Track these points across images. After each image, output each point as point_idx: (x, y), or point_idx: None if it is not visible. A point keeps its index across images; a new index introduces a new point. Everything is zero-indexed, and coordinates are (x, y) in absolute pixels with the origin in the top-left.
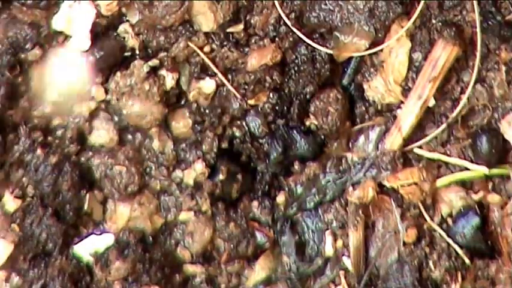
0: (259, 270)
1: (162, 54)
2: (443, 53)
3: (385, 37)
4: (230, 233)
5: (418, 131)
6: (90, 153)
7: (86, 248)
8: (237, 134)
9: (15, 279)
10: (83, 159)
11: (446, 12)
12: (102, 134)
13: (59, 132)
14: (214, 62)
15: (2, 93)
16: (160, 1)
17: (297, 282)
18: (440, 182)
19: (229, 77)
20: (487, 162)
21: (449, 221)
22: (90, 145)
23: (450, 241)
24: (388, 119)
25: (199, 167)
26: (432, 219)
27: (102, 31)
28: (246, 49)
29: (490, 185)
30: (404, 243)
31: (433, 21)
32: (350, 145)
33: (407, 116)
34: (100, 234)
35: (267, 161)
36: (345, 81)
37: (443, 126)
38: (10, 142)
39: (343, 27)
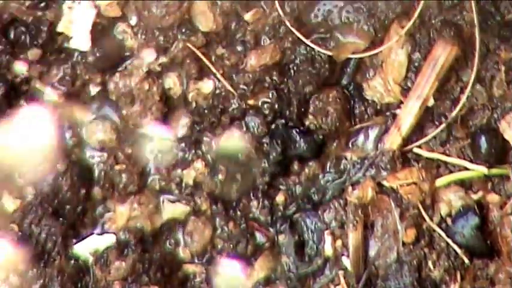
0: (259, 270)
1: (161, 54)
2: (443, 53)
3: (384, 37)
4: (229, 232)
5: (418, 130)
6: (90, 153)
7: (86, 248)
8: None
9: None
10: (82, 158)
11: (446, 12)
12: (101, 133)
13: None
14: (213, 62)
15: (2, 92)
16: (160, 1)
17: (296, 282)
18: (439, 182)
19: (229, 77)
20: (486, 162)
21: (449, 220)
22: (89, 145)
23: (449, 241)
24: (387, 119)
25: (199, 166)
26: (431, 219)
27: (102, 31)
28: (245, 49)
29: (490, 184)
30: (404, 243)
31: (433, 21)
32: (349, 145)
33: (407, 116)
34: (100, 234)
35: (267, 160)
36: (344, 81)
37: (443, 126)
38: None
39: (343, 27)
